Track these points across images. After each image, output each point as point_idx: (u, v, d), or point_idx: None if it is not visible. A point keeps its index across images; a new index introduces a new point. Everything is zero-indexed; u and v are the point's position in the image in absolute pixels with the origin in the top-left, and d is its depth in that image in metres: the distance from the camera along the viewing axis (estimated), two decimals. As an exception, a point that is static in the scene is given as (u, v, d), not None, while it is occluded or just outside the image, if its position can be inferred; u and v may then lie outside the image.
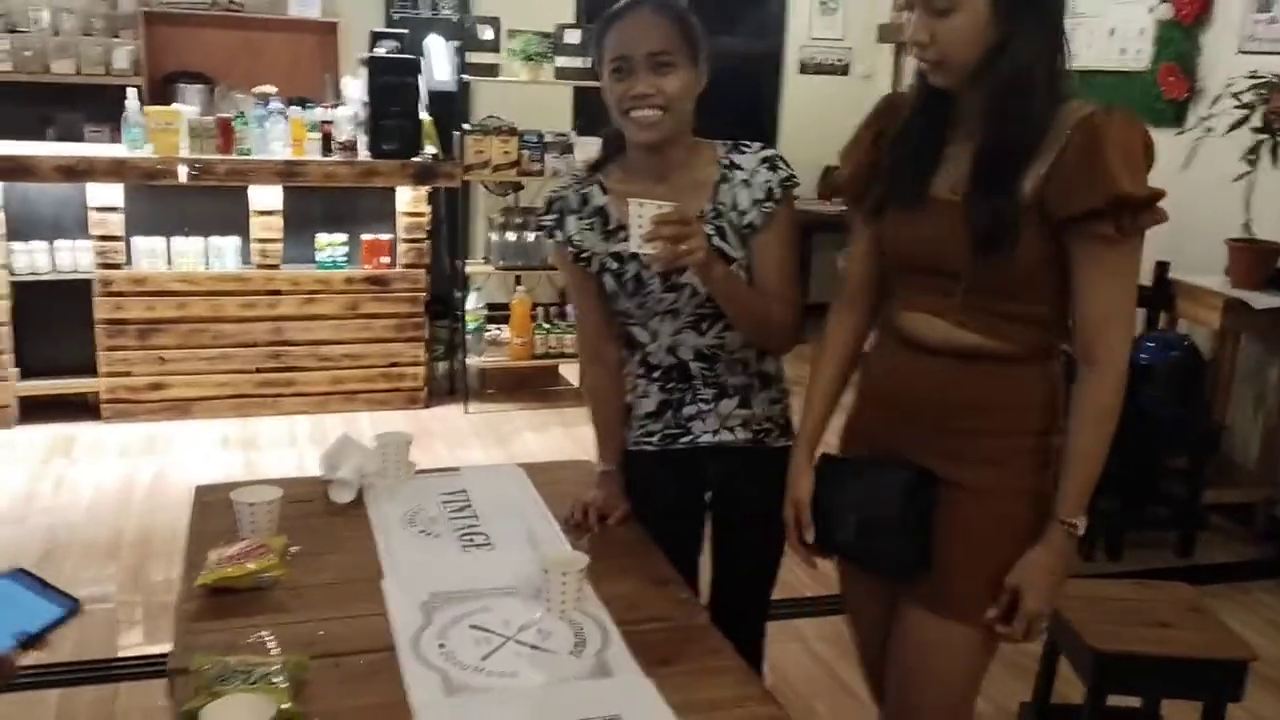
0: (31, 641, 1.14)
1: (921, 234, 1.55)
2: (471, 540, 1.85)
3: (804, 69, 6.72)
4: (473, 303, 4.90)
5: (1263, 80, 3.68)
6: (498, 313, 5.18)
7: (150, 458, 4.21)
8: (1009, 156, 1.47)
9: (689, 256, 1.67)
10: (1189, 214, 4.22)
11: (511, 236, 4.88)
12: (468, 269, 4.92)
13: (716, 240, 1.84)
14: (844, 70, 6.71)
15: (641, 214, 1.66)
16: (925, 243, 1.55)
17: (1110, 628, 2.30)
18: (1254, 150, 3.67)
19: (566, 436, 4.62)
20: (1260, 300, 3.68)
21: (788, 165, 1.88)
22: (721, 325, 1.88)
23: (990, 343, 1.53)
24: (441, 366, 5.16)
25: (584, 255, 1.93)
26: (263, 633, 1.51)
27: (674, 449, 1.97)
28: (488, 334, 5.06)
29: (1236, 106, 3.70)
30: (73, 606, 1.28)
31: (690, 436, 1.96)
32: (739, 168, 1.87)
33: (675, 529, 1.98)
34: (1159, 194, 1.42)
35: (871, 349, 1.74)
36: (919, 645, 1.64)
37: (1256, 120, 3.66)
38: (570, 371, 5.27)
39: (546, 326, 4.99)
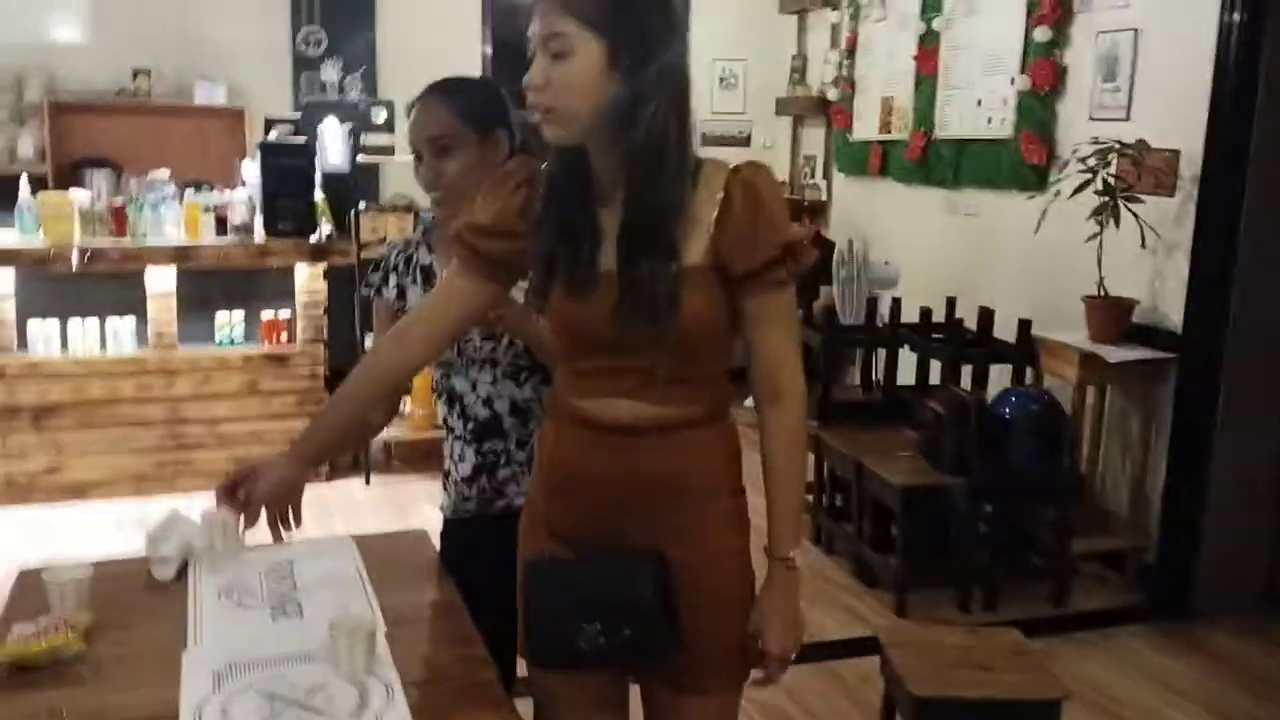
0: None
1: (588, 313, 1.51)
2: (283, 609, 1.91)
3: (705, 140, 6.91)
4: (372, 377, 4.97)
5: (1104, 146, 3.89)
6: (400, 386, 5.24)
7: (42, 543, 4.21)
8: (658, 222, 1.45)
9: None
10: (1048, 273, 4.44)
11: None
12: (367, 343, 5.00)
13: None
14: (745, 141, 6.94)
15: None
16: (593, 321, 1.50)
17: (934, 674, 2.39)
18: (1099, 211, 3.87)
19: (464, 507, 4.66)
20: (1114, 354, 3.85)
21: None
22: (539, 379, 1.99)
23: (679, 412, 1.53)
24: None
25: (407, 309, 2.05)
26: (53, 709, 1.56)
27: (490, 513, 2.06)
28: (390, 407, 5.11)
29: (1081, 171, 3.90)
30: None
31: (505, 499, 2.05)
32: None
33: (491, 593, 2.05)
34: (806, 236, 1.54)
35: (546, 435, 1.68)
36: None
37: (1099, 184, 3.87)
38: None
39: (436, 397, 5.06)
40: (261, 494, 1.78)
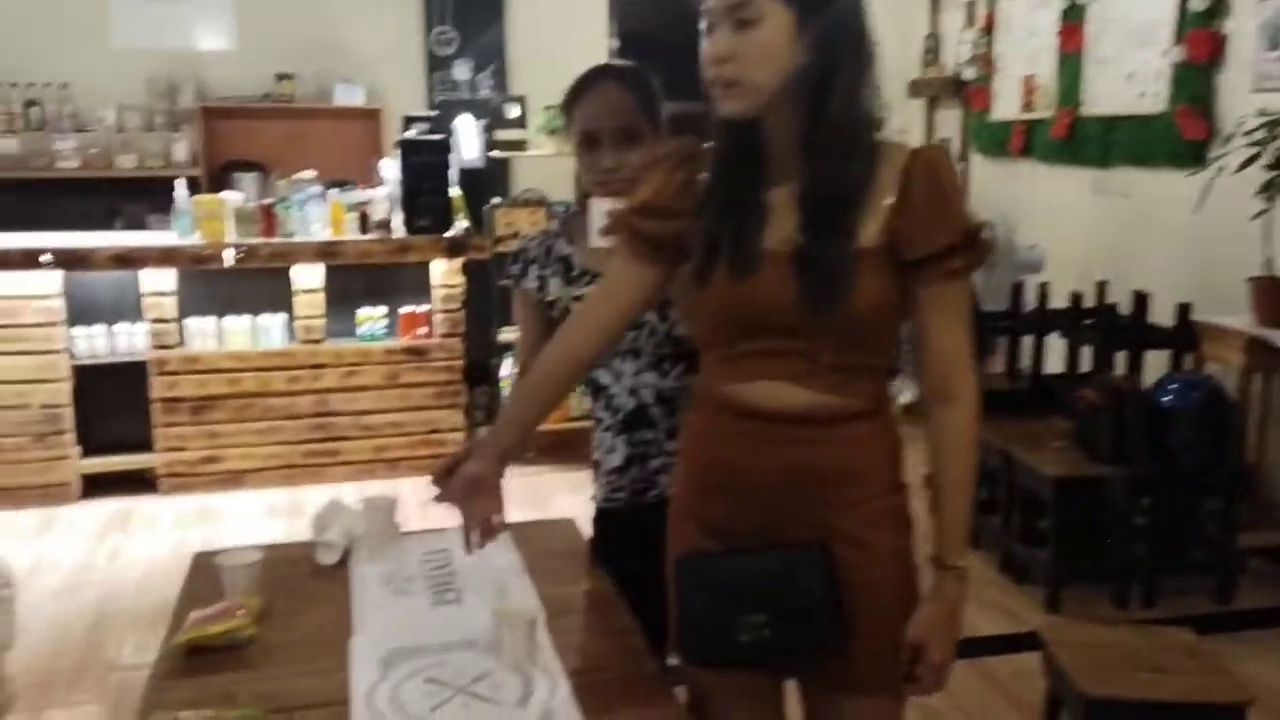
0: None
1: (757, 293, 1.44)
2: (442, 597, 1.94)
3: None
4: (508, 369, 5.04)
5: (1272, 118, 3.67)
6: (535, 378, 5.30)
7: (202, 528, 4.40)
8: (843, 200, 1.41)
9: None
10: (1209, 254, 4.21)
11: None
12: (502, 336, 5.07)
13: None
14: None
15: (599, 210, 1.77)
16: (762, 302, 1.44)
17: (1104, 673, 2.29)
18: (1267, 187, 3.65)
19: (601, 497, 4.69)
20: (1284, 338, 3.63)
21: None
22: (683, 367, 1.96)
23: (843, 401, 1.47)
24: (481, 432, 5.30)
25: (548, 300, 2.05)
26: (230, 690, 1.61)
27: (642, 503, 2.04)
28: (525, 399, 5.17)
29: (1248, 145, 3.69)
30: None
31: (657, 490, 2.03)
32: None
33: (646, 583, 2.04)
34: (983, 226, 1.46)
35: (693, 426, 1.63)
36: None
37: (1268, 158, 3.65)
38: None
39: (582, 389, 5.08)
40: (456, 493, 1.71)
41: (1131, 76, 4.64)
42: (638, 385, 2.01)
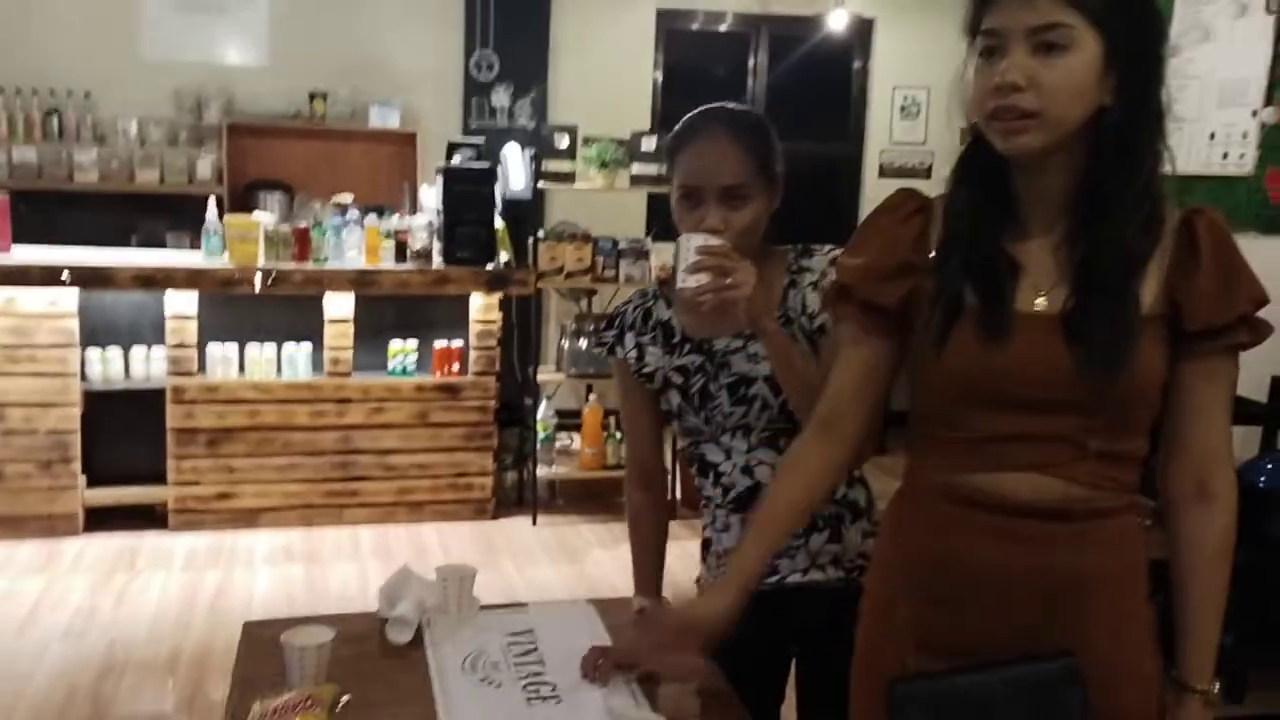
0: None
1: (1014, 361, 1.24)
2: (537, 691, 1.68)
3: (884, 172, 6.61)
4: (543, 411, 4.79)
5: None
6: (568, 420, 5.05)
7: (214, 570, 4.12)
8: (1128, 260, 1.23)
9: (733, 291, 1.57)
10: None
11: (584, 344, 4.78)
12: (539, 377, 4.82)
13: None
14: (926, 173, 6.59)
15: (688, 246, 1.59)
16: (1020, 372, 1.24)
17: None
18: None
19: (639, 553, 4.43)
20: (1389, 418, 3.40)
21: None
22: None
23: (1109, 496, 1.26)
24: (510, 476, 5.04)
25: (646, 370, 1.83)
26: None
27: (759, 591, 1.79)
28: (558, 443, 4.93)
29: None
30: None
31: (777, 576, 1.79)
32: (808, 270, 1.76)
33: (758, 677, 1.80)
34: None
35: (906, 522, 1.40)
36: None
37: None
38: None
39: (619, 436, 4.85)
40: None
41: (1214, 136, 4.44)
42: (751, 463, 1.78)
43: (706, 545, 1.89)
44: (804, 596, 1.78)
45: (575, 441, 4.95)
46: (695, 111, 1.79)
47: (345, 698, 1.60)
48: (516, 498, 4.97)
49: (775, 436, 1.76)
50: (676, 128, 1.80)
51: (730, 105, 1.81)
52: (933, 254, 1.32)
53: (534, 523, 4.76)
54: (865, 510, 1.82)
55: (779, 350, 1.66)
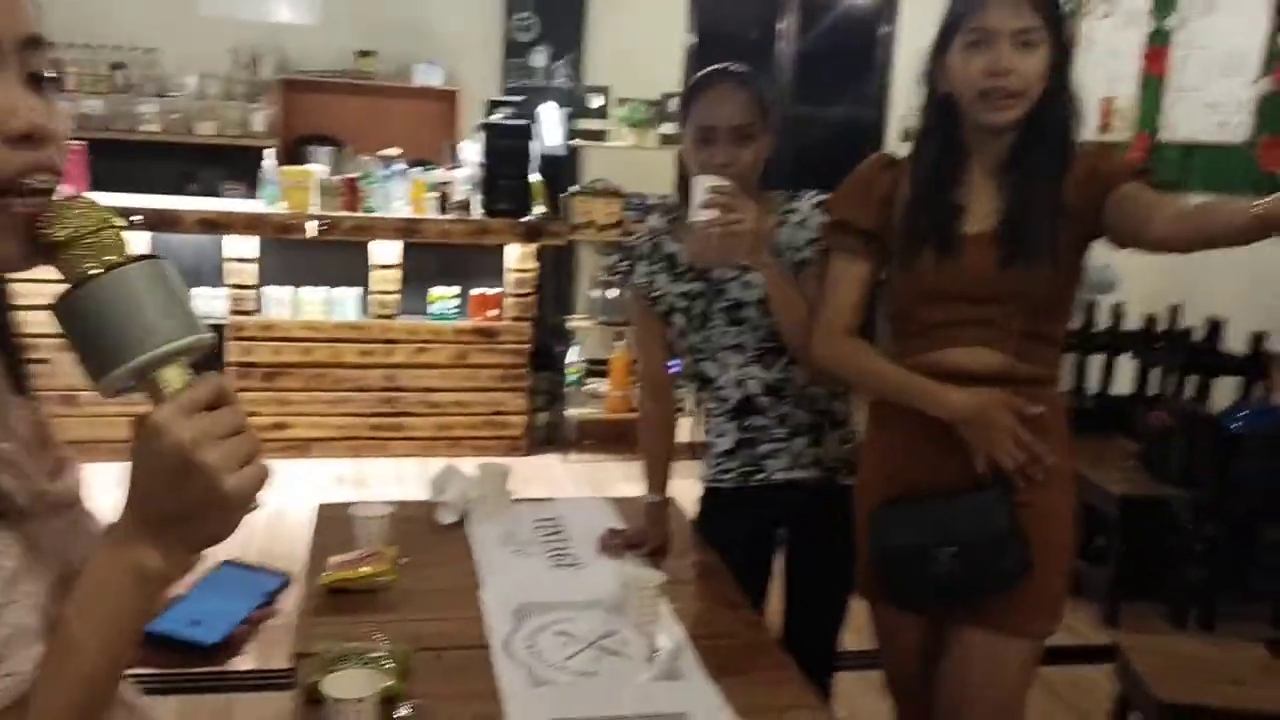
0: (267, 604, 1.23)
1: (961, 269, 1.70)
2: (561, 560, 2.02)
3: (906, 137, 6.83)
4: (574, 356, 5.12)
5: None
6: (597, 366, 5.38)
7: (269, 494, 4.48)
8: (1047, 191, 1.67)
9: (737, 225, 1.86)
10: (1287, 285, 4.22)
11: (613, 293, 5.10)
12: (570, 324, 5.15)
13: None
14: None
15: (701, 186, 1.88)
16: (964, 275, 1.70)
17: (1181, 682, 2.33)
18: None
19: (659, 487, 4.76)
20: (1359, 371, 3.65)
21: None
22: (785, 361, 2.04)
23: (1032, 369, 1.71)
24: (542, 417, 5.38)
25: (654, 295, 2.13)
26: (374, 629, 1.69)
27: (749, 485, 2.11)
28: (587, 387, 5.26)
29: (1333, 178, 3.71)
30: (287, 578, 1.30)
31: (764, 473, 2.10)
32: (794, 211, 2.06)
33: (747, 560, 2.12)
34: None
35: (877, 438, 1.91)
36: (988, 665, 1.76)
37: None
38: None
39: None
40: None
41: (1214, 105, 4.66)
42: (743, 377, 2.09)
43: (705, 449, 2.20)
44: (787, 491, 2.10)
45: (604, 385, 5.28)
46: (704, 70, 2.11)
47: (404, 559, 1.95)
48: (548, 437, 5.31)
49: (763, 354, 2.07)
50: (689, 82, 2.12)
51: (733, 66, 2.11)
52: (904, 199, 1.76)
53: (564, 459, 5.11)
54: (842, 422, 2.13)
55: (774, 279, 1.96)
